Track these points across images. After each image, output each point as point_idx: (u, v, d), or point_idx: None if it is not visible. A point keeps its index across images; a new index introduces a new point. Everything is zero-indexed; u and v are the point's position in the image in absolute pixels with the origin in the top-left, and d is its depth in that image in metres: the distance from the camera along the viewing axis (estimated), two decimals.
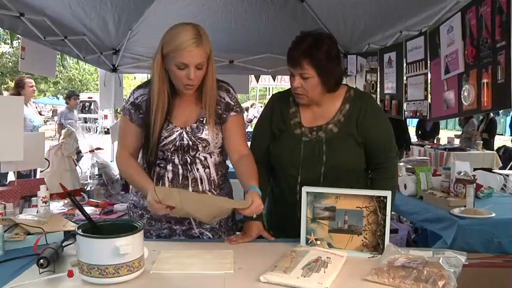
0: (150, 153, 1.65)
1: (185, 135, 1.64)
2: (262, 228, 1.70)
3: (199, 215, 1.48)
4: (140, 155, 1.74)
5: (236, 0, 4.51)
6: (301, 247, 1.49)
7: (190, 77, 1.54)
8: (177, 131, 1.64)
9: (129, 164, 1.68)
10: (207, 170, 1.69)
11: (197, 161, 1.67)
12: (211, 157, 1.70)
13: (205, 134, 1.64)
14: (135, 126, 1.68)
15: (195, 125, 1.65)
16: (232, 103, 1.69)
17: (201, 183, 1.68)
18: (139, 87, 1.73)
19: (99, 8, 3.94)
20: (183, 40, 1.50)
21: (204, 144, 1.65)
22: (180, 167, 1.66)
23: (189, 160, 1.66)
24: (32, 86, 4.99)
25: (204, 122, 1.65)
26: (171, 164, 1.66)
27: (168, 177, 1.67)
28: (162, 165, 1.67)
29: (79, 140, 3.05)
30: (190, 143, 1.64)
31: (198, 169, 1.67)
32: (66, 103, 7.80)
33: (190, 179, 1.67)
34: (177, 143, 1.64)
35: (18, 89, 4.91)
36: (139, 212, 1.74)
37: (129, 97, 1.72)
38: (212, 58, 1.60)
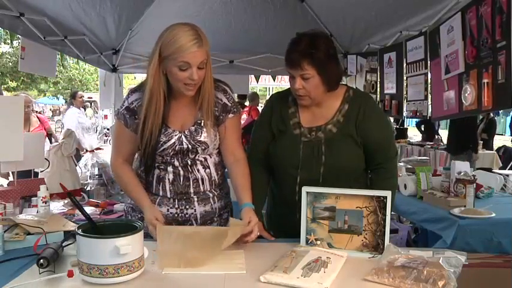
0: (148, 157, 1.63)
1: (184, 139, 1.63)
2: (262, 228, 1.70)
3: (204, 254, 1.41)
4: (137, 158, 1.74)
5: (236, 0, 4.52)
6: (301, 247, 1.49)
7: (193, 78, 1.51)
8: (175, 135, 1.62)
9: (124, 172, 1.68)
10: (207, 170, 1.68)
11: (197, 162, 1.66)
12: (210, 157, 1.69)
13: (204, 136, 1.63)
14: (130, 132, 1.65)
15: (193, 128, 1.63)
16: (230, 104, 1.67)
17: (202, 183, 1.68)
18: (134, 90, 1.68)
19: (99, 8, 3.94)
20: (184, 42, 1.47)
21: (203, 147, 1.64)
22: (180, 168, 1.65)
23: (189, 162, 1.65)
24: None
25: (202, 124, 1.63)
26: (171, 166, 1.65)
27: (168, 179, 1.66)
28: (162, 167, 1.66)
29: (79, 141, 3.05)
30: (190, 146, 1.63)
31: (198, 170, 1.67)
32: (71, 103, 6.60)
33: (191, 180, 1.66)
34: (177, 148, 1.62)
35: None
36: (139, 216, 1.71)
37: (124, 101, 1.68)
38: (210, 58, 1.57)
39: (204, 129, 1.63)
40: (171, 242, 1.43)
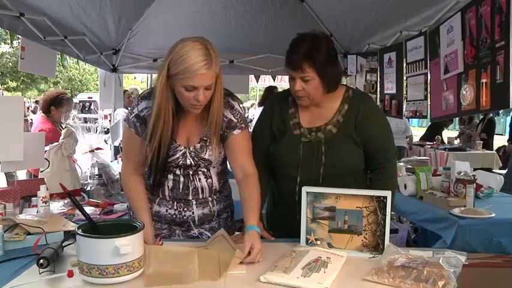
0: (155, 168, 1.61)
1: (188, 155, 1.61)
2: (262, 229, 1.70)
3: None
4: None
5: (236, 0, 4.51)
6: (301, 247, 1.49)
7: (199, 99, 1.46)
8: (180, 151, 1.61)
9: (132, 185, 1.66)
10: (209, 180, 1.67)
11: (199, 172, 1.65)
12: (213, 167, 1.68)
13: (208, 154, 1.61)
14: (141, 139, 1.62)
15: (198, 145, 1.61)
16: (235, 120, 1.61)
17: (202, 192, 1.67)
18: (143, 98, 1.63)
19: (99, 8, 3.94)
20: (193, 62, 1.40)
21: (206, 164, 1.63)
22: (181, 176, 1.65)
23: (191, 172, 1.65)
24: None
25: (208, 142, 1.61)
26: (172, 174, 1.65)
27: (168, 186, 1.65)
28: (164, 173, 1.65)
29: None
30: (193, 163, 1.62)
31: (200, 179, 1.66)
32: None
33: (191, 189, 1.66)
34: (180, 163, 1.61)
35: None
36: None
37: (133, 108, 1.63)
38: (221, 76, 1.50)
39: (209, 147, 1.61)
40: (157, 261, 1.35)
